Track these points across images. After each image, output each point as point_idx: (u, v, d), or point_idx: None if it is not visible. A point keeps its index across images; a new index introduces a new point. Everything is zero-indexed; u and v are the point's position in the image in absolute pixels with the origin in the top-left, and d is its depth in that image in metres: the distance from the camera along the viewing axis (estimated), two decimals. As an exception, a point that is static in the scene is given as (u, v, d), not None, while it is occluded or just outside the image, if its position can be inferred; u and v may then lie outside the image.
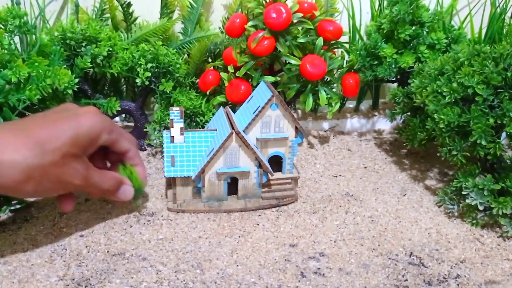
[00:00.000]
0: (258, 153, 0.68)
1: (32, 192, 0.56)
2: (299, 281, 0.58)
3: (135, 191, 0.66)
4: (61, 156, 0.56)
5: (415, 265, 0.61)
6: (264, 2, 0.84)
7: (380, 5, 0.98)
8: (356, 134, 0.98)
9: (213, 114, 0.80)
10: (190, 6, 0.94)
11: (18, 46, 0.77)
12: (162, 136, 0.81)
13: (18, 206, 0.70)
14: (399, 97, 0.84)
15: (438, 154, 0.71)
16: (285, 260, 0.61)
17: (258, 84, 0.77)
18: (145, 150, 0.88)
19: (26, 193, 0.57)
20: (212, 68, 0.91)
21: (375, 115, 1.01)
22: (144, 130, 0.86)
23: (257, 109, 0.69)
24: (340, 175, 0.82)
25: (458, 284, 0.58)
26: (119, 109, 0.83)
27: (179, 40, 0.95)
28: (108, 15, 0.93)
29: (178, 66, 0.83)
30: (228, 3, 0.98)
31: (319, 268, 0.60)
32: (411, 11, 0.85)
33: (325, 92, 0.85)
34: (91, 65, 0.80)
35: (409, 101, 0.82)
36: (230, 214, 0.70)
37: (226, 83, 0.86)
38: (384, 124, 0.99)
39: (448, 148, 0.69)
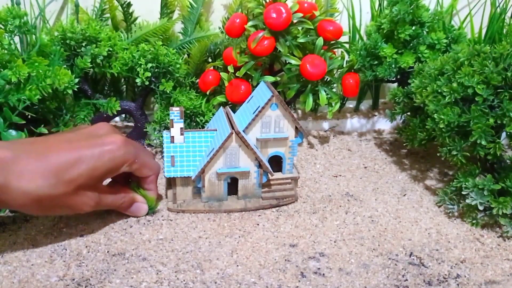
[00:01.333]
0: (258, 153, 0.68)
1: (40, 213, 0.60)
2: (299, 281, 0.58)
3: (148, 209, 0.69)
4: (75, 187, 0.57)
5: (415, 265, 0.61)
6: (264, 2, 0.84)
7: (380, 5, 0.98)
8: (356, 134, 0.98)
9: (213, 114, 0.80)
10: (190, 6, 0.94)
11: (18, 46, 0.77)
12: (162, 136, 0.81)
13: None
14: (399, 97, 0.84)
15: (438, 154, 0.71)
16: (285, 260, 0.61)
17: (258, 84, 0.77)
18: (145, 150, 0.88)
19: (33, 213, 0.60)
20: (212, 68, 0.91)
21: (375, 115, 1.01)
22: (144, 130, 0.86)
23: (257, 109, 0.69)
24: (340, 175, 0.82)
25: (458, 284, 0.58)
26: (119, 109, 0.83)
27: (179, 40, 0.95)
28: (108, 15, 0.93)
29: (178, 66, 0.83)
30: (228, 3, 0.98)
31: (319, 268, 0.60)
32: (411, 11, 0.85)
33: (325, 92, 0.85)
34: (91, 65, 0.80)
35: (409, 101, 0.82)
36: (230, 214, 0.70)
37: (226, 83, 0.86)
38: (384, 124, 0.99)
39: (448, 148, 0.69)
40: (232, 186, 0.71)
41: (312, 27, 0.83)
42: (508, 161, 0.70)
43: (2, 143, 0.57)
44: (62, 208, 0.59)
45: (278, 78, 0.88)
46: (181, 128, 0.68)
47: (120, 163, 0.61)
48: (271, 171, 0.69)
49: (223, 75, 0.87)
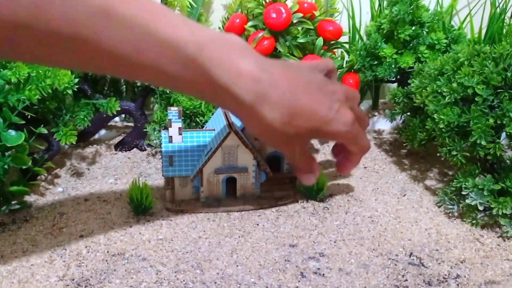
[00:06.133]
0: (257, 153, 0.68)
1: (258, 136, 0.62)
2: (299, 281, 0.58)
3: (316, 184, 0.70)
4: (295, 134, 0.56)
5: (415, 265, 0.61)
6: (264, 2, 0.84)
7: (380, 5, 0.98)
8: (356, 134, 0.97)
9: (213, 114, 0.80)
10: (190, 6, 0.94)
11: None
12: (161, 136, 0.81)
13: (18, 206, 0.70)
14: (399, 97, 0.83)
15: (438, 154, 0.71)
16: (285, 260, 0.61)
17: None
18: (145, 150, 0.88)
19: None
20: (212, 68, 0.91)
21: (375, 115, 1.01)
22: (144, 130, 0.86)
23: (256, 109, 0.69)
24: (340, 175, 0.82)
25: (458, 284, 0.58)
26: (119, 109, 0.83)
27: (179, 40, 0.95)
28: (108, 15, 0.93)
29: (178, 66, 0.83)
30: (228, 3, 0.98)
31: (319, 268, 0.60)
32: (411, 11, 0.85)
33: (325, 92, 0.85)
34: (91, 65, 0.79)
35: (409, 101, 0.82)
36: (230, 214, 0.70)
37: (226, 83, 0.86)
38: (384, 124, 0.99)
39: (448, 148, 0.69)
40: (231, 185, 0.71)
41: (312, 27, 0.83)
42: (508, 161, 0.70)
43: (256, 63, 0.54)
44: (269, 141, 0.59)
45: (278, 78, 0.88)
46: (179, 128, 0.68)
47: (340, 136, 0.60)
48: (270, 170, 0.69)
49: (223, 75, 0.87)
